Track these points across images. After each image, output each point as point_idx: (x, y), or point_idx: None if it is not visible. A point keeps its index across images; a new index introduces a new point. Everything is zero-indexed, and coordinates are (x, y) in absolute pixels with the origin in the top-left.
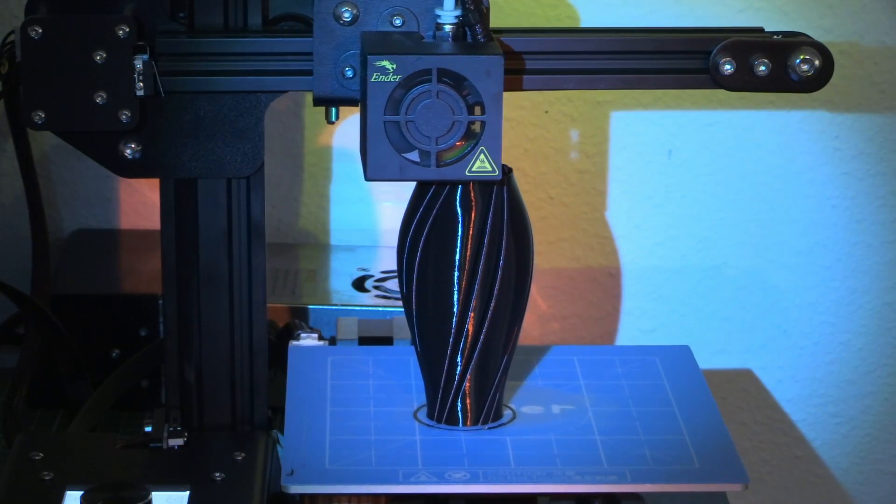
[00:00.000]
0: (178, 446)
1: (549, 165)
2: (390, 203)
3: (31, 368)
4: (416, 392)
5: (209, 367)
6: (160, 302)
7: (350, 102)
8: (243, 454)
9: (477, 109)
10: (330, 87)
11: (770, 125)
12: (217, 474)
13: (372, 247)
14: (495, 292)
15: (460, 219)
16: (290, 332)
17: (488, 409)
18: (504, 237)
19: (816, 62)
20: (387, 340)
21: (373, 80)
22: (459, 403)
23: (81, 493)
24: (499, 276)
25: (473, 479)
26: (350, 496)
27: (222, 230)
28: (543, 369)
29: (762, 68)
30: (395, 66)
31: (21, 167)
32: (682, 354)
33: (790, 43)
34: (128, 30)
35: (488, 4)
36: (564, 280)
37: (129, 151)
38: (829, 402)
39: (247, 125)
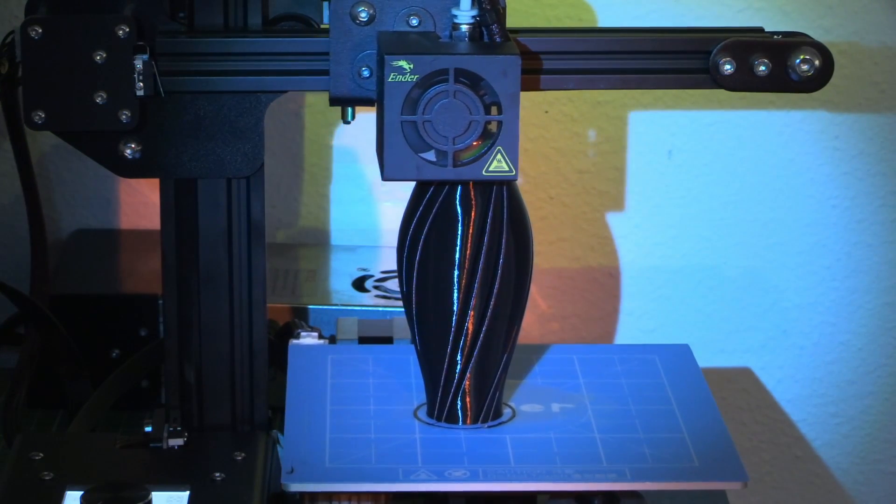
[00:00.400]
0: (178, 446)
1: (549, 165)
2: (390, 203)
3: (31, 369)
4: (415, 390)
5: (209, 367)
6: (160, 302)
7: (366, 102)
8: (243, 454)
9: (493, 109)
10: (346, 87)
11: (770, 125)
12: (217, 474)
13: (372, 247)
14: (495, 291)
15: (460, 218)
16: (290, 332)
17: (488, 408)
18: (504, 236)
19: (816, 62)
20: (387, 340)
21: (390, 80)
22: (459, 402)
23: (81, 493)
24: (499, 275)
25: (473, 478)
26: (350, 494)
27: (222, 230)
28: (543, 368)
29: (762, 68)
30: (412, 66)
31: (19, 167)
32: (682, 353)
33: (790, 43)
34: (128, 30)
35: (505, 4)
36: (564, 280)
37: (129, 151)
38: (829, 402)
39: (247, 125)
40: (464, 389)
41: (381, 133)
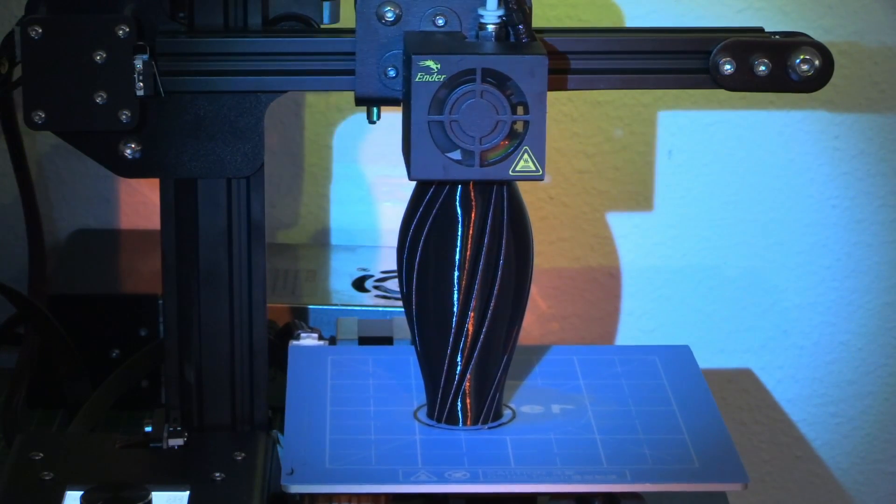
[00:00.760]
0: (178, 446)
1: (549, 165)
2: (390, 203)
3: (30, 369)
4: (415, 391)
5: (209, 367)
6: (160, 302)
7: (392, 102)
8: (243, 454)
9: (520, 109)
10: (372, 86)
11: (770, 125)
12: (217, 474)
13: (372, 247)
14: (495, 292)
15: (460, 218)
16: (290, 332)
17: (488, 409)
18: (504, 237)
19: (816, 62)
20: (387, 340)
21: (417, 79)
22: (459, 403)
23: (81, 493)
24: (499, 276)
25: (473, 479)
26: (350, 496)
27: (222, 230)
28: (543, 369)
29: (762, 68)
30: (439, 66)
31: (15, 168)
32: (682, 354)
33: (790, 43)
34: (128, 30)
35: (531, 4)
36: (564, 280)
37: (129, 151)
38: (829, 402)
39: (247, 125)
40: (464, 390)
41: (407, 133)
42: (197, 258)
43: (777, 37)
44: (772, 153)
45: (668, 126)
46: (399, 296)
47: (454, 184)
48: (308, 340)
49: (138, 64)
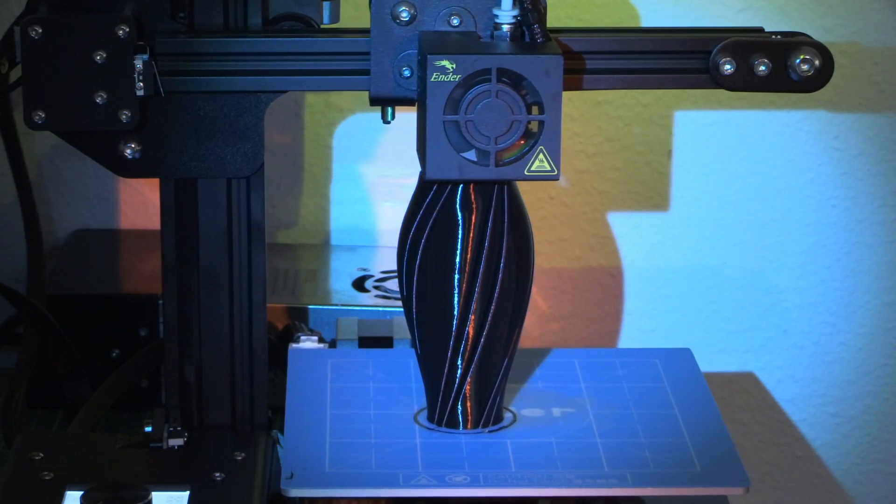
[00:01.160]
0: (178, 446)
1: None
2: (390, 203)
3: (30, 369)
4: (416, 395)
5: (209, 367)
6: (160, 302)
7: (407, 102)
8: (243, 454)
9: (535, 109)
10: (387, 86)
11: (770, 125)
12: (217, 474)
13: (372, 247)
14: (496, 295)
15: (460, 221)
16: (290, 334)
17: (489, 412)
18: (505, 240)
19: (816, 62)
20: (387, 340)
21: (432, 79)
22: (460, 406)
23: (81, 493)
24: (499, 279)
25: (474, 483)
26: (350, 500)
27: (222, 230)
28: (544, 372)
29: (762, 68)
30: (454, 66)
31: (13, 169)
32: (684, 357)
33: (790, 43)
34: (128, 30)
35: (546, 4)
36: (564, 280)
37: (129, 151)
38: (829, 402)
39: (247, 125)
40: (464, 394)
41: (422, 133)
42: (197, 258)
43: (777, 37)
44: (772, 153)
45: (668, 126)
46: (399, 296)
47: (455, 186)
48: (308, 343)
49: (138, 64)
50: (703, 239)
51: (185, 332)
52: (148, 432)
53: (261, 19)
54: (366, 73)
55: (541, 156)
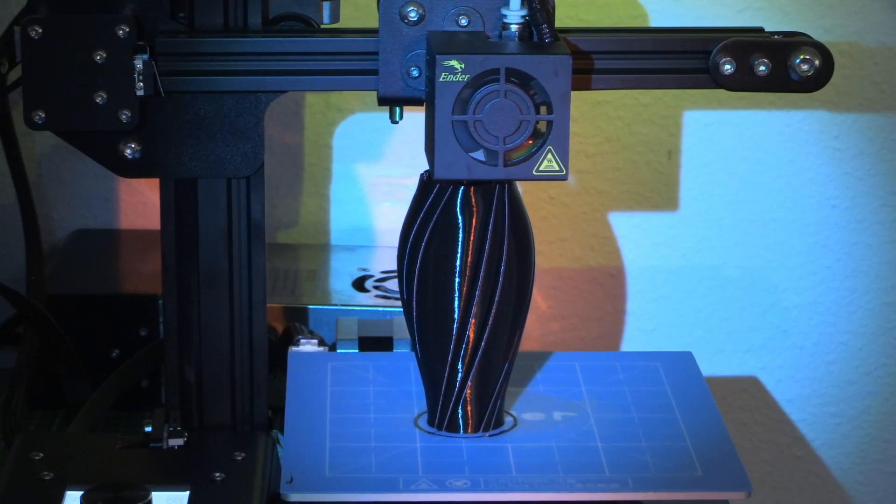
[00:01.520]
0: (178, 446)
1: None
2: (390, 203)
3: (30, 369)
4: (416, 399)
5: (209, 367)
6: (160, 302)
7: (415, 102)
8: (243, 454)
9: (543, 109)
10: (396, 86)
11: (770, 125)
12: (217, 474)
13: (372, 247)
14: (496, 299)
15: (461, 224)
16: (290, 336)
17: (489, 417)
18: (505, 243)
19: (816, 62)
20: (387, 340)
21: (441, 79)
22: (460, 410)
23: (81, 493)
24: (500, 283)
25: (474, 487)
26: None
27: (222, 230)
28: (545, 376)
29: (762, 68)
30: (463, 66)
31: (12, 169)
32: (685, 361)
33: (790, 43)
34: (128, 30)
35: (554, 4)
36: (565, 280)
37: (129, 151)
38: (829, 402)
39: (247, 125)
40: (465, 398)
41: (431, 132)
42: (197, 258)
43: (777, 37)
44: (772, 153)
45: (668, 126)
46: (399, 296)
47: (456, 187)
48: (308, 346)
49: (138, 64)
50: (703, 239)
51: (185, 332)
52: (148, 432)
53: (261, 19)
54: (374, 73)
55: (549, 156)
